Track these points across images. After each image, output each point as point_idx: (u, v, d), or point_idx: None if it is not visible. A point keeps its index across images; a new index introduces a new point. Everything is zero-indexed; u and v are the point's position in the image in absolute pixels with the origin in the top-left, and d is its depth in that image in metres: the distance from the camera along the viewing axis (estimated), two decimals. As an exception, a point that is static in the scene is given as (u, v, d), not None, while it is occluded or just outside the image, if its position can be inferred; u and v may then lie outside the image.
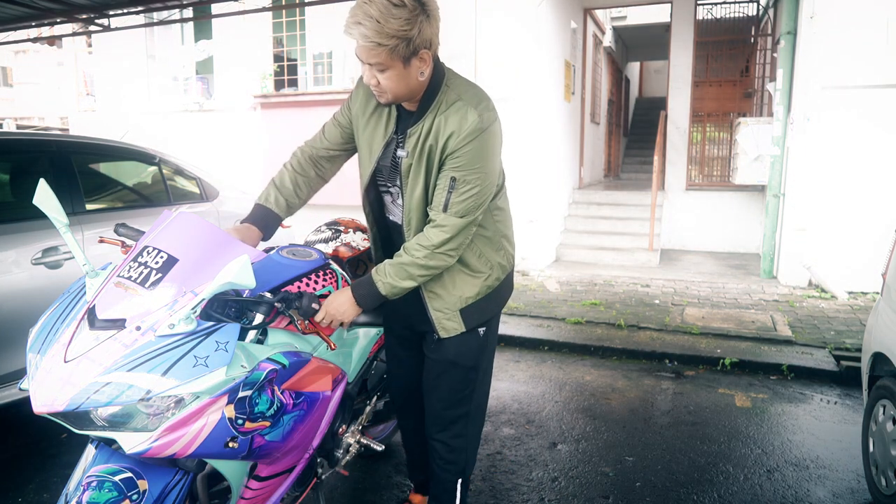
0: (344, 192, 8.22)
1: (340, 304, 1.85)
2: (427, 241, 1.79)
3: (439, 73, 1.77)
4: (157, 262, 1.66)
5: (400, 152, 1.83)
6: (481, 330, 2.03)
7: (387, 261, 1.85)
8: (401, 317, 2.16)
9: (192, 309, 1.54)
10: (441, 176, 1.76)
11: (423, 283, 1.88)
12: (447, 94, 1.76)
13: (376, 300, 1.85)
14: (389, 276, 1.82)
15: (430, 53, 1.68)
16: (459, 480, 2.16)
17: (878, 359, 2.78)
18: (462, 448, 2.14)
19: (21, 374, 2.99)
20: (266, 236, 2.02)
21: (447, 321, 1.95)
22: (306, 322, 1.82)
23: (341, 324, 1.88)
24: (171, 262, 1.66)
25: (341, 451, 2.37)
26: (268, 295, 1.76)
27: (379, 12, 1.54)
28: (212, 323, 1.59)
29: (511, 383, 4.17)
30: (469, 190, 1.74)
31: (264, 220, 2.01)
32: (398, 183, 1.87)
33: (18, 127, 20.91)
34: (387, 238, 2.10)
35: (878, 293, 3.08)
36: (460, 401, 2.09)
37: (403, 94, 1.72)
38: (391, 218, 2.04)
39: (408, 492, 2.67)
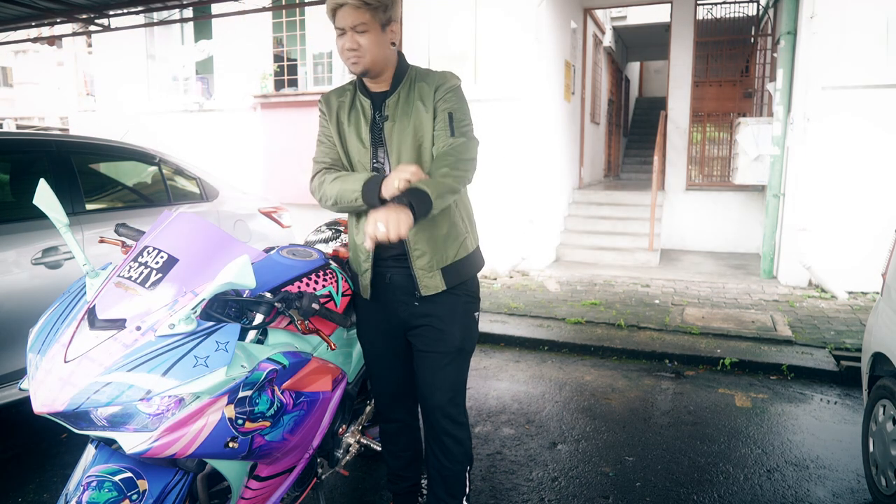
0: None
1: (389, 216, 1.64)
2: (448, 153, 1.91)
3: (404, 60, 2.06)
4: (157, 262, 1.67)
5: (380, 124, 2.01)
6: (476, 315, 2.20)
7: (416, 183, 1.78)
8: (385, 312, 2.14)
9: (193, 309, 1.54)
10: (438, 117, 1.97)
11: (416, 232, 1.96)
12: (416, 71, 2.04)
13: (426, 209, 1.75)
14: (430, 186, 1.77)
15: (398, 26, 1.98)
16: (468, 468, 2.22)
17: (878, 359, 2.79)
18: (466, 437, 2.19)
19: (21, 374, 2.99)
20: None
21: (429, 279, 2.04)
22: (306, 322, 1.82)
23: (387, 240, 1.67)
24: (171, 262, 1.66)
25: (341, 451, 2.37)
26: (268, 295, 1.77)
27: None
28: (212, 323, 1.59)
29: (511, 383, 4.17)
30: (465, 123, 2.00)
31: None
32: (384, 152, 2.01)
33: (18, 127, 20.91)
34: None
35: (878, 293, 3.08)
36: (460, 389, 2.17)
37: (378, 58, 1.93)
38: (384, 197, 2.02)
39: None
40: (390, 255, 2.07)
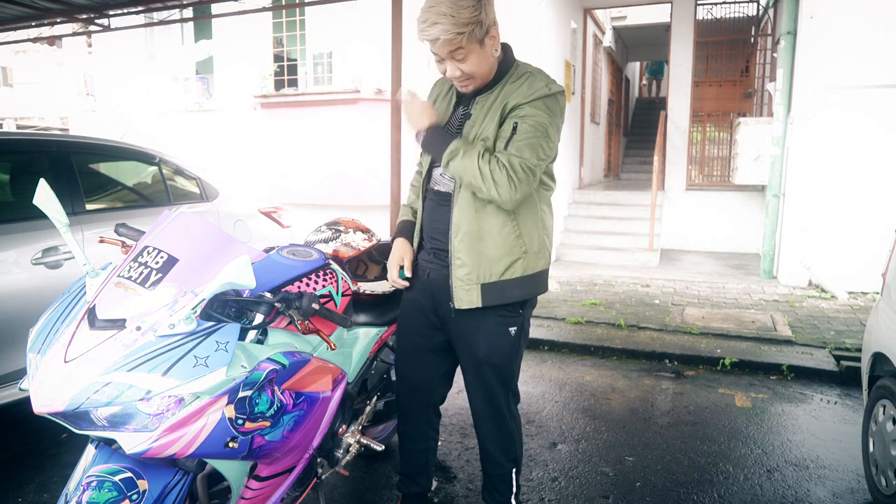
0: (345, 192, 8.24)
1: (420, 112, 1.90)
2: (487, 156, 1.85)
3: (510, 55, 1.96)
4: (157, 262, 1.67)
5: (461, 120, 1.97)
6: (512, 329, 2.07)
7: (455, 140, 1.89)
8: (424, 305, 2.18)
9: (193, 309, 1.54)
10: (504, 125, 1.86)
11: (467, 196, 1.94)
12: (518, 69, 1.93)
13: (440, 143, 1.89)
14: (456, 144, 1.86)
15: (497, 28, 1.86)
16: (513, 469, 2.24)
17: (878, 359, 2.78)
18: (510, 440, 2.21)
19: (21, 374, 2.99)
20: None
21: (465, 293, 1.98)
22: (306, 322, 1.82)
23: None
24: (171, 262, 1.66)
25: (341, 451, 2.37)
26: (268, 295, 1.77)
27: (450, 8, 1.73)
28: (212, 323, 1.59)
29: (511, 383, 4.17)
30: (530, 137, 1.83)
31: (410, 232, 2.22)
32: None
33: (18, 127, 20.92)
34: (431, 209, 2.11)
35: (878, 293, 3.08)
36: (493, 399, 2.15)
37: (485, 72, 1.88)
38: (437, 188, 2.07)
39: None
40: (434, 248, 2.08)
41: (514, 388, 2.21)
